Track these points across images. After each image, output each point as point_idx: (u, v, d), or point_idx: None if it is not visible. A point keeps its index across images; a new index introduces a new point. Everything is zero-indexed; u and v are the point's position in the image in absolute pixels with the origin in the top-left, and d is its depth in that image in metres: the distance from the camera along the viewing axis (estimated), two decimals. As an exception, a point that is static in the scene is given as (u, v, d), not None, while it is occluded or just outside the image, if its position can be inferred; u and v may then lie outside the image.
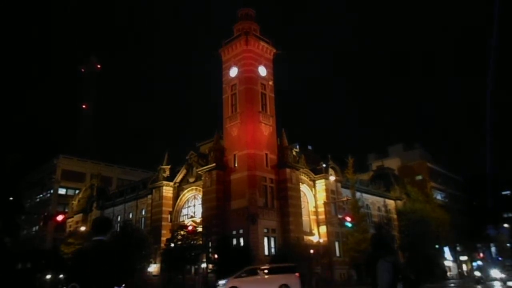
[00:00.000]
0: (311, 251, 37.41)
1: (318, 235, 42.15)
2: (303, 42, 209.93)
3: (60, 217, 24.17)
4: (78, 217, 58.95)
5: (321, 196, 44.43)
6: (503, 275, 35.99)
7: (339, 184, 45.97)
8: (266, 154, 40.73)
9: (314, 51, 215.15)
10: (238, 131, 41.43)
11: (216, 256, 34.64)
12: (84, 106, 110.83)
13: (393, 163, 71.71)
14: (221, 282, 25.09)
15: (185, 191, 46.17)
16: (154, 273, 41.83)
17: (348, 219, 35.18)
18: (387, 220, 52.90)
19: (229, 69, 44.62)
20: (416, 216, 48.77)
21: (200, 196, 42.91)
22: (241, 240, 36.72)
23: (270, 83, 44.61)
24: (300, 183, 42.76)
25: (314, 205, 44.52)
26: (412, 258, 47.44)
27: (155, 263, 41.84)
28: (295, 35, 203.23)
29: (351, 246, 40.77)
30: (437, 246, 52.71)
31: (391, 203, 55.81)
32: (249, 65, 42.84)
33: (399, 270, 4.80)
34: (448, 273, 58.76)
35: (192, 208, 45.42)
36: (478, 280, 36.91)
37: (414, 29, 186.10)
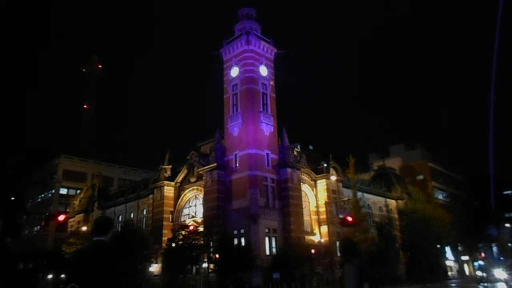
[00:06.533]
0: (312, 251, 37.44)
1: (319, 235, 42.12)
2: (304, 42, 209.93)
3: (61, 217, 24.12)
4: (79, 217, 59.08)
5: (322, 196, 44.43)
6: (507, 276, 35.42)
7: (340, 184, 45.97)
8: (267, 154, 40.73)
9: (315, 51, 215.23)
10: (239, 131, 41.45)
11: (217, 256, 34.70)
12: (85, 106, 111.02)
13: (394, 162, 71.69)
14: None
15: (186, 191, 46.22)
16: (155, 273, 41.85)
17: (350, 219, 35.06)
18: (389, 220, 52.86)
19: (230, 69, 44.63)
20: (418, 216, 48.74)
21: (201, 196, 42.95)
22: (242, 240, 36.76)
23: (271, 82, 44.60)
24: (301, 183, 42.77)
25: (315, 204, 44.52)
26: (413, 258, 47.40)
27: (156, 263, 41.87)
28: (297, 34, 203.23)
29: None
30: (438, 246, 52.65)
31: (392, 203, 55.75)
32: (250, 65, 42.83)
33: (365, 272, 5.12)
34: (450, 273, 58.68)
35: (193, 208, 45.44)
36: (480, 280, 36.62)
37: (415, 28, 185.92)
